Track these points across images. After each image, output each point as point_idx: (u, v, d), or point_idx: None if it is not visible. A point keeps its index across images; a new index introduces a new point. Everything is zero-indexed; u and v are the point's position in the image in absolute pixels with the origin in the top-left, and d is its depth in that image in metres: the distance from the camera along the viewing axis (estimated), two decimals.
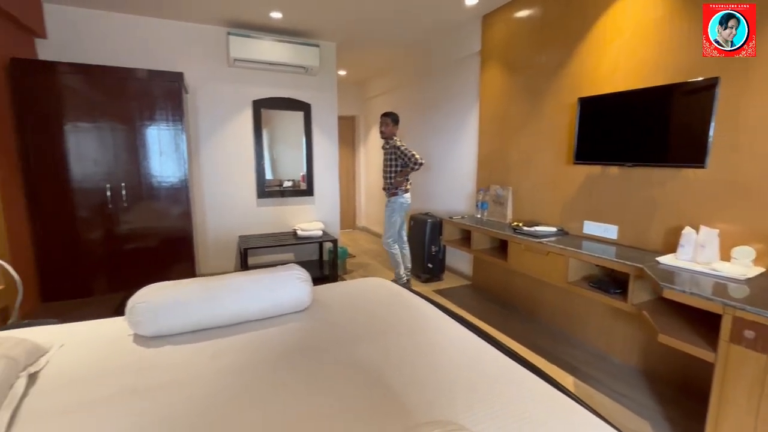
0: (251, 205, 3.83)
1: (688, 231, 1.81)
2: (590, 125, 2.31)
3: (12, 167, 2.42)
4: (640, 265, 1.79)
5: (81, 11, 3.01)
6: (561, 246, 2.22)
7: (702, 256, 1.73)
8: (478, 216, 3.25)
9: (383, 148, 3.45)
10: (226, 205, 3.72)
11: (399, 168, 3.32)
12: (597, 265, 2.18)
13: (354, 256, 4.74)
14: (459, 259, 3.90)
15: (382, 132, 3.39)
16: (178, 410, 1.04)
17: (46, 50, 2.94)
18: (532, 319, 2.86)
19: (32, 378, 1.19)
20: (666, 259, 1.84)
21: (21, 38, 2.67)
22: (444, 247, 3.71)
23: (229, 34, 3.34)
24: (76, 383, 1.18)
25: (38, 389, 1.15)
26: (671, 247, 1.97)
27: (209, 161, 3.60)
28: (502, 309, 3.06)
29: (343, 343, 1.41)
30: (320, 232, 3.79)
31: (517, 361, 1.31)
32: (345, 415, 1.01)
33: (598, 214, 2.38)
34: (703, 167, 1.80)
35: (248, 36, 3.39)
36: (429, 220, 3.65)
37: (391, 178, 3.37)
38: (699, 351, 1.45)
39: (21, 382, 1.13)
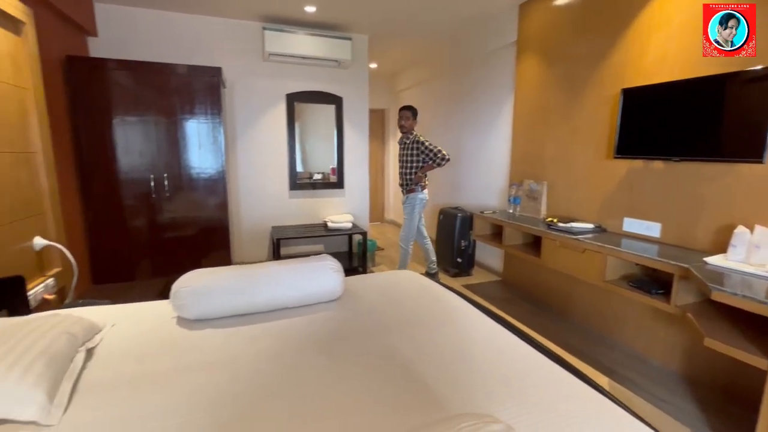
0: (283, 196, 3.92)
1: (741, 230, 1.69)
2: (634, 117, 2.20)
3: (67, 158, 2.59)
4: (686, 265, 1.70)
5: (127, 9, 3.16)
6: (599, 243, 2.14)
7: (756, 257, 1.62)
8: (510, 211, 3.19)
9: (401, 142, 3.38)
10: (260, 196, 3.83)
11: (420, 164, 3.25)
12: (637, 264, 2.08)
13: (382, 249, 4.77)
14: (489, 255, 3.84)
15: (402, 126, 3.32)
16: (218, 389, 1.10)
17: (97, 48, 3.12)
18: (565, 318, 2.78)
19: (89, 353, 1.29)
20: (714, 260, 1.74)
21: (75, 37, 2.84)
22: (474, 242, 3.66)
23: (264, 28, 3.41)
24: (127, 360, 1.26)
25: (94, 363, 1.24)
26: (720, 247, 1.85)
27: (244, 154, 3.72)
28: (533, 306, 3.00)
29: (375, 334, 1.43)
30: (350, 225, 3.83)
31: (550, 358, 1.28)
32: (377, 403, 1.03)
33: (640, 211, 2.27)
34: (761, 162, 1.67)
35: (282, 30, 3.45)
36: (459, 215, 3.61)
37: (411, 174, 3.29)
38: (749, 357, 1.36)
39: (80, 357, 1.22)
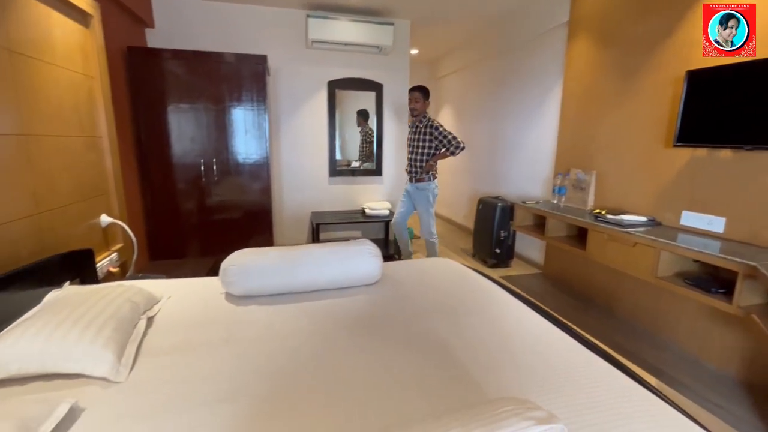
0: (323, 182, 4.00)
1: None
2: (699, 102, 2.02)
3: (128, 143, 2.79)
4: (754, 263, 1.56)
5: (181, 1, 3.30)
6: (652, 237, 2.01)
7: None
8: (554, 201, 3.06)
9: (412, 125, 3.16)
10: (301, 182, 3.93)
11: (433, 151, 3.04)
12: (695, 261, 1.94)
13: (418, 237, 4.76)
14: (529, 246, 3.73)
15: (413, 109, 3.06)
16: (263, 360, 1.16)
17: (153, 39, 3.30)
18: (611, 315, 2.66)
19: (149, 321, 1.40)
20: None
21: (135, 29, 3.02)
22: (514, 232, 3.57)
23: (308, 16, 3.45)
24: (181, 329, 1.36)
25: (153, 330, 1.35)
26: None
27: (287, 140, 3.82)
28: (576, 301, 2.88)
29: (412, 318, 1.44)
30: (387, 212, 3.85)
31: (592, 350, 1.24)
32: (415, 383, 1.05)
33: (701, 204, 2.10)
34: None
35: (326, 17, 3.47)
36: (499, 204, 3.52)
37: (422, 160, 3.07)
38: None
39: (142, 323, 1.33)
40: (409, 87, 4.07)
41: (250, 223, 3.41)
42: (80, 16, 2.08)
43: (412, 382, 1.06)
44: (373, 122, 4.03)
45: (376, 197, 4.17)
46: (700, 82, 2.02)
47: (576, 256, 2.91)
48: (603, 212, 2.48)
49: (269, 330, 1.36)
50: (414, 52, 5.14)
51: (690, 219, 2.16)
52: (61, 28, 1.89)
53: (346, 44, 3.60)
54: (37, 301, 1.37)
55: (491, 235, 3.57)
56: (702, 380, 1.93)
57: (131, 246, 2.40)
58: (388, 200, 4.18)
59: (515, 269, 3.62)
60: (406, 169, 3.24)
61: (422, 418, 0.74)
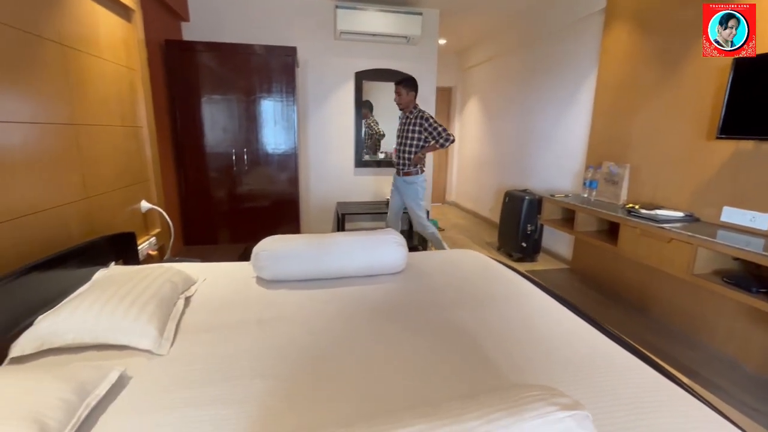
0: (349, 173, 4.05)
1: None
2: (746, 92, 1.91)
3: (165, 133, 2.91)
4: None
5: None
6: (688, 233, 1.94)
7: None
8: (585, 195, 2.98)
9: (403, 117, 3.07)
10: (327, 172, 3.99)
11: (422, 143, 2.94)
12: (735, 259, 1.85)
13: (443, 230, 4.74)
14: (557, 241, 3.65)
15: (397, 103, 2.98)
16: (294, 340, 1.21)
17: (188, 32, 3.41)
18: (642, 313, 2.58)
19: (186, 300, 1.48)
20: None
21: (171, 22, 3.14)
22: (541, 226, 3.50)
23: (337, 7, 3.47)
24: (217, 309, 1.43)
25: (191, 309, 1.43)
26: None
27: (314, 131, 3.88)
28: (605, 298, 2.81)
29: (437, 306, 1.46)
30: None
31: (620, 345, 1.22)
32: (438, 367, 1.07)
33: (745, 200, 2.00)
34: None
35: (354, 8, 3.48)
36: (526, 197, 3.46)
37: (410, 152, 2.97)
38: None
39: (180, 303, 1.42)
40: (436, 78, 4.05)
41: (278, 212, 3.51)
42: (123, 11, 2.18)
43: (435, 366, 1.08)
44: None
45: None
46: (748, 70, 1.90)
47: (606, 251, 2.83)
48: (636, 207, 2.40)
49: (298, 313, 1.42)
50: (442, 42, 5.07)
51: (731, 215, 2.06)
52: (105, 22, 2.00)
53: (374, 35, 3.60)
54: (86, 278, 1.48)
55: (517, 229, 3.52)
56: (739, 383, 1.86)
57: (168, 231, 2.53)
58: None
59: (541, 264, 3.56)
60: (394, 161, 3.15)
61: (446, 400, 0.76)
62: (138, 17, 2.30)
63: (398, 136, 3.09)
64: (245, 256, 2.21)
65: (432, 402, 0.76)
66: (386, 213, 3.85)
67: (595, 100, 3.06)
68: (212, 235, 3.39)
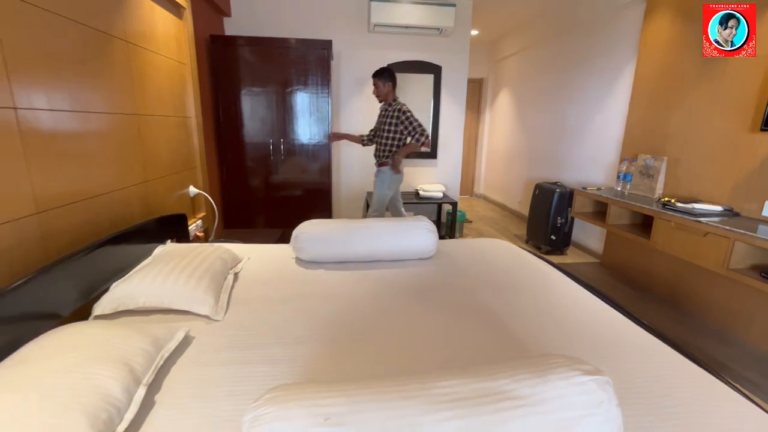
0: None
1: None
2: None
3: (209, 123, 3.10)
4: None
5: None
6: (726, 227, 1.90)
7: None
8: (618, 188, 2.93)
9: (382, 109, 2.99)
10: (357, 163, 4.10)
11: (398, 136, 2.87)
12: None
13: (470, 222, 4.77)
14: (588, 236, 3.61)
15: (376, 95, 2.95)
16: (331, 313, 1.33)
17: (230, 26, 3.57)
18: (675, 308, 2.54)
19: (235, 276, 1.63)
20: None
21: (215, 18, 3.30)
22: (572, 219, 3.47)
23: (371, 0, 3.53)
24: (262, 284, 1.57)
25: (239, 284, 1.57)
26: None
27: (346, 122, 3.98)
28: (636, 292, 2.78)
29: (465, 289, 1.53)
30: (441, 194, 3.91)
31: (650, 332, 1.25)
32: (466, 343, 1.15)
33: None
34: None
35: (388, 1, 3.53)
36: (557, 190, 3.43)
37: (386, 144, 2.92)
38: None
39: (230, 278, 1.56)
40: (468, 69, 4.05)
41: (311, 200, 3.65)
42: (175, 8, 2.34)
43: (463, 339, 1.16)
44: (429, 106, 4.06)
45: (430, 179, 4.23)
46: None
47: (638, 245, 2.79)
48: (672, 200, 2.35)
49: (334, 290, 1.53)
50: (474, 33, 5.03)
51: None
52: (162, 20, 2.16)
53: (407, 27, 3.64)
54: (148, 252, 1.65)
55: (547, 222, 3.50)
56: None
57: (213, 214, 2.71)
58: (443, 183, 4.22)
59: (570, 257, 3.54)
60: (375, 154, 3.10)
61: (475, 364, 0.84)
62: (188, 14, 2.46)
63: (376, 128, 3.04)
64: (282, 240, 2.35)
65: (462, 366, 0.84)
66: (414, 203, 3.92)
67: (632, 92, 2.99)
68: (250, 220, 3.58)
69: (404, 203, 3.89)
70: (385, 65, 3.87)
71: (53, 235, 1.31)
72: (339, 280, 1.63)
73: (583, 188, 3.09)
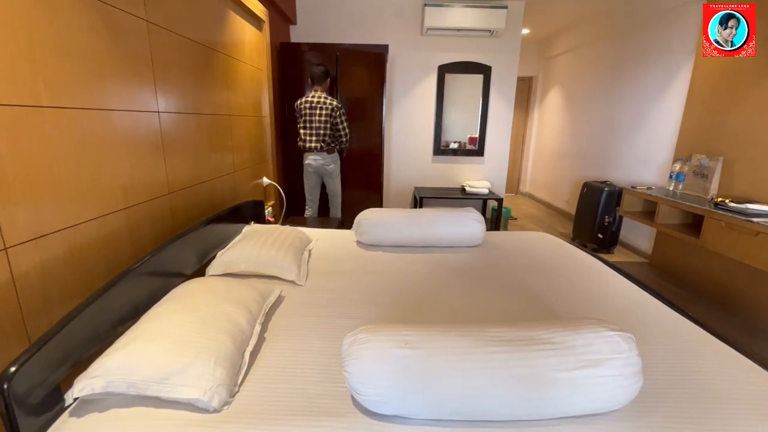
0: (427, 160, 4.33)
1: None
2: None
3: (277, 122, 3.45)
4: None
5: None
6: None
7: None
8: (670, 188, 2.92)
9: (318, 97, 2.93)
10: (408, 159, 4.32)
11: (329, 131, 2.96)
12: None
13: (516, 219, 4.83)
14: (637, 236, 3.58)
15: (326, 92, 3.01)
16: (392, 285, 1.56)
17: (294, 33, 3.92)
18: (726, 309, 2.53)
19: (309, 253, 1.91)
20: None
21: (283, 26, 3.66)
22: (620, 218, 3.47)
23: (425, 5, 3.72)
24: (330, 260, 1.84)
25: (312, 259, 1.85)
26: None
27: (397, 121, 4.21)
28: (685, 293, 2.78)
29: (510, 272, 1.71)
30: (486, 190, 4.04)
31: (693, 321, 1.35)
32: (510, 315, 1.34)
33: None
34: None
35: (441, 5, 3.70)
36: (606, 189, 3.45)
37: (318, 131, 2.94)
38: None
39: (306, 253, 1.85)
40: (518, 68, 4.13)
41: (364, 193, 3.92)
42: (257, 22, 2.69)
43: (507, 313, 1.35)
44: (477, 104, 4.19)
45: (476, 176, 4.37)
46: None
47: (689, 246, 2.78)
48: (726, 201, 2.35)
49: (394, 267, 1.77)
50: (525, 32, 5.06)
51: None
52: (247, 33, 2.51)
53: (459, 29, 3.80)
54: (238, 230, 1.98)
55: (594, 220, 3.53)
56: None
57: (280, 202, 3.06)
58: (488, 179, 4.34)
59: (618, 256, 3.54)
60: (311, 142, 3.01)
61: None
62: (266, 26, 2.80)
63: (310, 115, 2.94)
64: (343, 226, 2.63)
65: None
66: (461, 198, 4.07)
67: (689, 91, 2.96)
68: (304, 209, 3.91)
69: (450, 198, 4.07)
70: (435, 66, 4.06)
71: (177, 212, 1.65)
72: (396, 261, 1.87)
73: (633, 187, 3.10)
